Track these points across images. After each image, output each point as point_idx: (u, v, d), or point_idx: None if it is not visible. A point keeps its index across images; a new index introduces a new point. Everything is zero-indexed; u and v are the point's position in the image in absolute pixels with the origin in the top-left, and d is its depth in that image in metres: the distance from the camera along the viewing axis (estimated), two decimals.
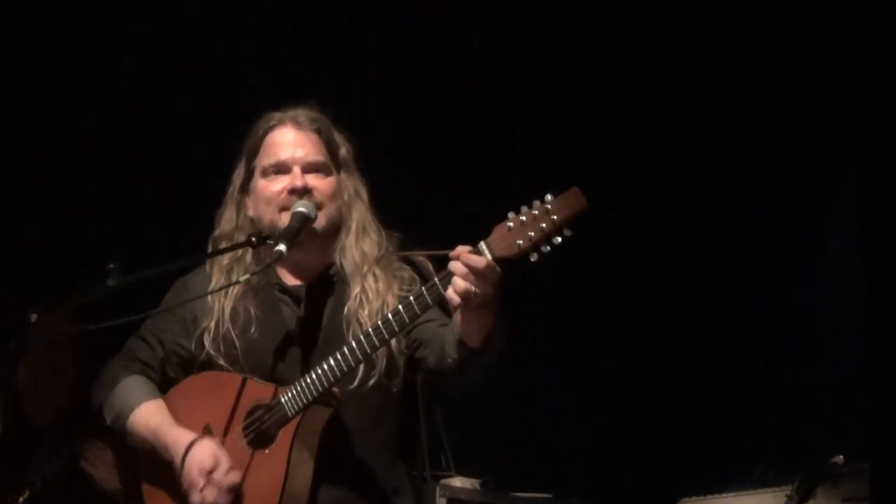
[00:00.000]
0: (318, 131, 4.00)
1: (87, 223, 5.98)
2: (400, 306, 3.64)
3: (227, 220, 4.05)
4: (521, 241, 3.43)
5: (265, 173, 3.97)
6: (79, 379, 5.20)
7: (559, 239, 3.42)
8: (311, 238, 3.90)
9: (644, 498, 6.21)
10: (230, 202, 4.06)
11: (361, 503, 3.86)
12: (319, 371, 3.74)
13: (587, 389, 6.45)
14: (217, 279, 4.02)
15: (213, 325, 3.97)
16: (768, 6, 6.19)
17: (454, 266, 3.47)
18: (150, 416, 3.96)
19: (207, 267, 4.07)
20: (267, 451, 3.81)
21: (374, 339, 3.68)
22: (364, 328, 3.78)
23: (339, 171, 4.01)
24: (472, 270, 3.43)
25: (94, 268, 3.78)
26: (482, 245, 3.47)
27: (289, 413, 3.77)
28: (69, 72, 6.06)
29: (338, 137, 4.05)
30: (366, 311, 3.87)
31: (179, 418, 3.94)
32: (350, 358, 3.71)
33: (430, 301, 3.59)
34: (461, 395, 3.78)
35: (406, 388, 3.93)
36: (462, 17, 6.34)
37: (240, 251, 4.02)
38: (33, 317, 3.65)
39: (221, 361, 3.94)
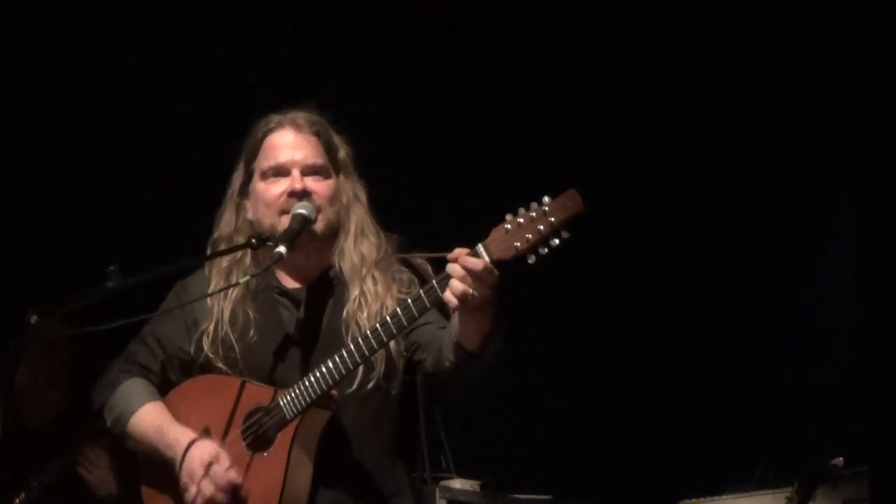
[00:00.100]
0: (318, 134, 4.00)
1: (87, 223, 5.98)
2: (398, 309, 3.64)
3: (226, 222, 4.05)
4: (518, 244, 3.43)
5: (264, 176, 3.96)
6: (76, 380, 5.21)
7: (557, 241, 3.42)
8: (310, 241, 3.90)
9: (644, 499, 6.20)
10: (229, 204, 4.05)
11: None
12: (318, 374, 3.74)
13: (587, 390, 6.45)
14: (216, 282, 4.01)
15: (212, 328, 3.96)
16: (768, 6, 6.19)
17: (452, 268, 3.47)
18: (152, 416, 3.96)
19: (207, 270, 4.07)
20: (266, 454, 3.81)
21: (373, 341, 3.68)
22: (363, 331, 3.78)
23: (337, 174, 4.01)
24: (470, 273, 3.43)
25: (94, 268, 3.78)
26: (480, 247, 3.47)
27: (288, 416, 3.77)
28: (69, 72, 6.06)
29: (337, 140, 4.05)
30: (364, 314, 3.87)
31: (179, 420, 3.94)
32: (349, 360, 3.71)
33: (428, 304, 3.59)
34: (460, 396, 3.78)
35: (405, 391, 3.93)
36: (462, 17, 6.33)
37: (239, 254, 4.02)
38: (33, 318, 3.64)
39: (220, 364, 3.94)
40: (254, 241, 3.92)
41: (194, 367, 4.00)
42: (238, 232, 4.01)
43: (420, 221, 4.10)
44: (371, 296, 3.89)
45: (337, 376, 3.72)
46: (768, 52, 6.28)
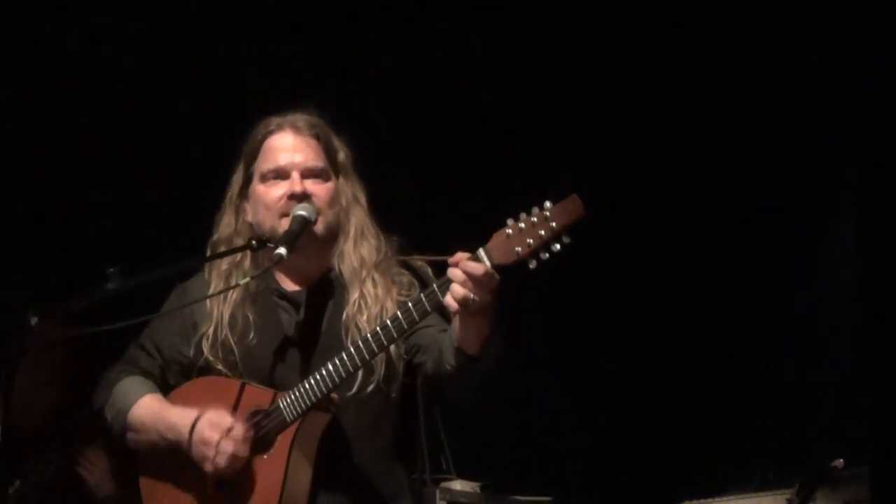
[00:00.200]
0: (317, 136, 3.99)
1: (87, 224, 5.98)
2: (399, 312, 3.64)
3: (225, 224, 4.04)
4: (519, 249, 3.43)
5: (264, 178, 3.96)
6: (75, 381, 5.21)
7: (558, 246, 3.42)
8: (310, 243, 3.89)
9: (644, 501, 6.21)
10: (229, 207, 4.05)
11: None
12: (318, 376, 3.74)
13: (587, 391, 6.45)
14: (216, 285, 4.00)
15: (211, 331, 3.96)
16: (768, 6, 6.18)
17: (453, 273, 3.47)
18: (151, 405, 3.96)
19: (206, 273, 4.07)
20: (266, 456, 3.81)
21: (373, 344, 3.68)
22: (363, 333, 3.78)
23: (337, 177, 4.00)
24: (471, 277, 3.43)
25: (94, 269, 3.78)
26: (481, 252, 3.47)
27: (287, 418, 3.78)
28: (69, 72, 6.06)
29: (336, 142, 4.04)
30: (364, 317, 3.87)
31: None
32: (349, 363, 3.71)
33: (428, 308, 3.59)
34: (460, 398, 3.78)
35: (405, 393, 3.93)
36: (462, 17, 6.33)
37: (238, 256, 4.02)
38: (33, 319, 3.64)
39: (220, 367, 3.94)
40: (254, 242, 3.91)
41: (193, 370, 4.00)
42: (238, 234, 4.01)
43: (420, 223, 4.10)
44: (371, 298, 3.89)
45: (337, 379, 3.72)
46: (768, 52, 6.28)
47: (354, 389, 3.82)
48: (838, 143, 6.08)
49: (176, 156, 5.99)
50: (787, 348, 6.36)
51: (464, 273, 3.44)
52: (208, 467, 3.81)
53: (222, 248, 4.02)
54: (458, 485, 5.65)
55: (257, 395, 3.85)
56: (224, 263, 4.03)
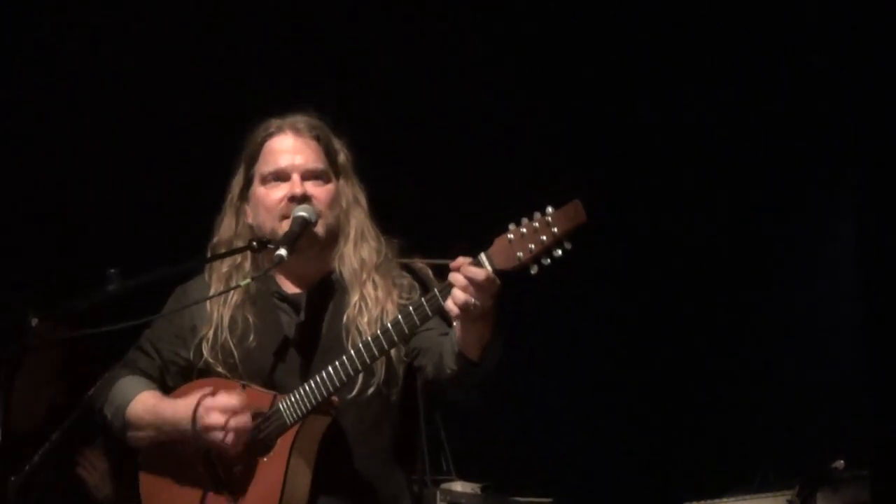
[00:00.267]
0: (317, 138, 3.98)
1: (87, 224, 5.98)
2: (399, 316, 3.64)
3: (226, 227, 4.03)
4: (521, 254, 3.43)
5: (264, 181, 3.95)
6: (71, 382, 5.20)
7: (559, 252, 3.42)
8: (310, 245, 3.89)
9: (645, 502, 6.21)
10: (229, 209, 4.04)
11: None
12: (318, 380, 3.74)
13: (587, 392, 6.45)
14: (216, 287, 4.00)
15: (211, 333, 3.96)
16: (768, 6, 6.18)
17: (454, 277, 3.47)
18: (148, 400, 3.95)
19: (206, 275, 4.06)
20: (265, 459, 3.81)
21: (374, 348, 3.68)
22: (363, 336, 3.78)
23: (337, 178, 4.00)
24: (472, 282, 3.43)
25: (94, 269, 3.78)
26: (482, 257, 3.47)
27: (287, 421, 3.78)
28: (69, 72, 6.06)
29: (337, 144, 4.03)
30: (365, 319, 3.87)
31: None
32: (349, 367, 3.71)
33: (429, 312, 3.59)
34: (461, 401, 3.78)
35: (405, 396, 3.93)
36: (462, 18, 6.33)
37: (238, 259, 4.01)
38: (34, 320, 3.64)
39: (220, 369, 3.93)
40: (254, 244, 3.91)
41: (192, 372, 4.00)
42: (238, 237, 4.00)
43: (420, 223, 4.10)
44: (371, 301, 3.89)
45: (337, 382, 3.72)
46: (768, 52, 6.27)
47: (355, 392, 3.82)
48: (838, 143, 6.09)
49: (176, 156, 5.98)
50: (787, 348, 6.36)
51: (465, 278, 3.44)
52: (222, 444, 3.78)
53: (223, 251, 4.01)
54: (458, 486, 5.64)
55: (257, 397, 3.84)
56: (224, 266, 4.02)
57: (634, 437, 6.47)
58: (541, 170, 6.21)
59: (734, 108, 6.37)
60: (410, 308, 3.62)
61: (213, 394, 3.83)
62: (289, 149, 3.95)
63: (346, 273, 3.95)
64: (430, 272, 3.91)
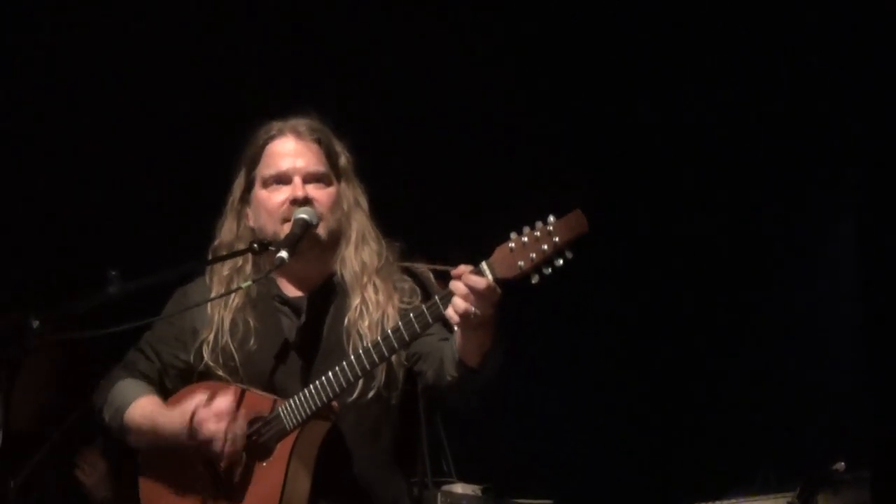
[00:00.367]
0: (319, 141, 3.98)
1: (87, 225, 5.98)
2: (400, 323, 3.64)
3: (227, 229, 4.04)
4: (522, 263, 3.42)
5: (266, 184, 3.95)
6: (69, 383, 5.20)
7: (561, 261, 3.42)
8: (311, 247, 3.89)
9: (646, 503, 6.22)
10: (230, 212, 4.04)
11: None
12: (318, 385, 3.74)
13: (588, 393, 6.45)
14: (217, 290, 4.00)
15: (211, 336, 3.96)
16: (768, 6, 6.18)
17: (455, 286, 3.46)
18: (146, 406, 3.96)
19: (207, 278, 4.06)
20: (265, 464, 3.81)
21: (374, 355, 3.68)
22: (364, 342, 3.79)
23: (339, 181, 4.00)
24: (473, 291, 3.43)
25: (95, 270, 3.78)
26: (483, 265, 3.46)
27: (287, 426, 3.78)
28: (69, 72, 6.06)
29: (338, 147, 4.03)
30: (366, 323, 3.87)
31: None
32: (349, 373, 3.71)
33: (430, 319, 3.59)
34: (460, 406, 3.78)
35: (405, 400, 3.93)
36: (463, 20, 6.32)
37: (240, 261, 4.01)
38: (35, 322, 3.63)
39: (220, 373, 3.94)
40: (255, 246, 3.91)
41: (193, 375, 4.00)
42: (239, 239, 4.00)
43: (421, 223, 4.10)
44: (372, 304, 3.89)
45: (337, 388, 3.72)
46: (768, 52, 6.27)
47: (355, 396, 3.82)
48: (838, 143, 6.08)
49: (176, 156, 5.98)
50: (787, 348, 6.35)
51: (466, 286, 3.44)
52: (222, 450, 3.78)
53: (223, 253, 4.01)
54: (459, 488, 5.63)
55: (257, 401, 3.85)
56: (225, 269, 4.02)
57: (634, 438, 6.47)
58: (541, 170, 6.21)
59: (734, 108, 6.36)
60: (411, 315, 3.62)
61: (208, 400, 3.83)
62: (290, 152, 3.95)
63: (348, 276, 3.95)
64: (431, 276, 3.91)
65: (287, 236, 3.84)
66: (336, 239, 3.96)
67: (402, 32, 6.24)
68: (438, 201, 6.19)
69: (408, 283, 3.96)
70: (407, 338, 3.64)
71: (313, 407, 3.74)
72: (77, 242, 5.95)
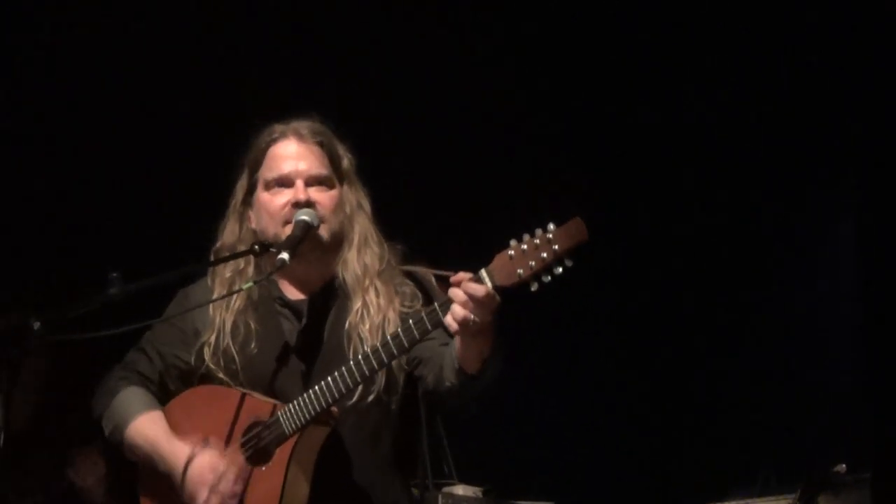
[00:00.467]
0: (321, 144, 3.98)
1: (88, 225, 5.98)
2: (399, 330, 3.64)
3: (229, 232, 4.04)
4: (521, 271, 3.41)
5: (268, 186, 3.95)
6: (55, 385, 5.20)
7: (560, 269, 3.41)
8: (313, 249, 3.89)
9: None
10: (233, 214, 4.04)
11: None
12: (317, 390, 3.73)
13: (588, 394, 6.44)
14: (219, 292, 4.00)
15: (213, 338, 3.96)
16: (768, 6, 6.18)
17: (454, 293, 3.46)
18: (148, 427, 3.96)
19: (209, 280, 4.06)
20: (264, 468, 3.80)
21: (373, 361, 3.68)
22: (365, 344, 3.80)
23: (341, 184, 4.00)
24: (472, 298, 3.43)
25: (95, 271, 3.78)
26: (483, 273, 3.46)
27: (286, 431, 3.77)
28: (69, 72, 6.05)
29: (340, 149, 4.03)
30: (367, 326, 3.87)
31: (178, 430, 3.94)
32: (348, 379, 3.70)
33: (429, 326, 3.59)
34: (459, 411, 3.79)
35: (405, 404, 3.93)
36: (462, 20, 6.32)
37: (242, 264, 4.01)
38: (36, 324, 3.63)
39: (221, 375, 3.94)
40: (257, 247, 3.91)
41: (194, 377, 4.00)
42: (241, 242, 4.00)
43: (421, 224, 4.10)
44: (373, 308, 3.89)
45: (336, 394, 3.72)
46: (768, 52, 6.27)
47: (354, 400, 3.82)
48: (838, 143, 6.08)
49: (176, 157, 5.98)
50: (787, 348, 6.36)
51: (465, 294, 3.44)
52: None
53: (225, 255, 4.01)
54: (460, 489, 5.63)
55: (257, 405, 3.85)
56: (227, 271, 4.02)
57: (634, 439, 6.47)
58: (541, 170, 6.21)
59: (734, 108, 6.36)
60: (410, 322, 3.61)
61: (212, 421, 3.85)
62: (292, 154, 3.95)
63: (349, 279, 3.95)
64: (433, 279, 3.90)
65: (288, 238, 3.84)
66: (338, 242, 3.96)
67: (402, 32, 6.24)
68: (438, 201, 6.18)
69: (409, 287, 3.96)
70: (406, 344, 3.63)
71: (312, 412, 3.74)
72: (77, 242, 5.94)
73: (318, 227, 3.88)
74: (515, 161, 6.35)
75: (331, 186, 3.95)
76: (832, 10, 5.89)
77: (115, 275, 3.72)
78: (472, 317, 3.43)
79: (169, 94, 6.04)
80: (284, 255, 3.77)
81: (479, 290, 3.42)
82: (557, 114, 6.44)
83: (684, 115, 6.44)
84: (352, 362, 3.70)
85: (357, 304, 3.90)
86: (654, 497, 6.24)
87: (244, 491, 3.81)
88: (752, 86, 6.33)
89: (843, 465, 5.21)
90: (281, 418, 3.78)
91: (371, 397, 3.84)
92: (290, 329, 3.96)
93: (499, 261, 3.45)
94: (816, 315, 6.36)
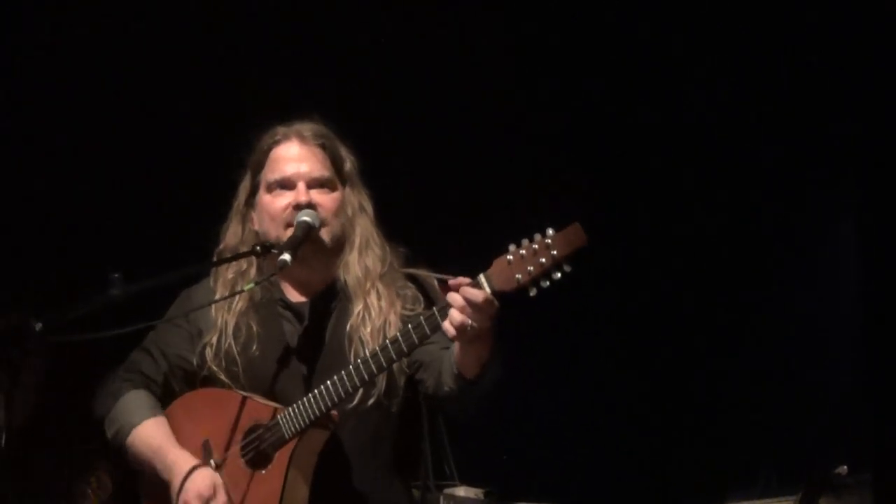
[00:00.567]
0: (323, 146, 3.99)
1: (88, 226, 5.97)
2: (398, 334, 3.64)
3: (232, 233, 4.05)
4: (519, 276, 3.41)
5: (270, 188, 3.96)
6: (48, 386, 5.20)
7: (558, 275, 3.41)
8: (314, 251, 3.90)
9: None
10: (235, 216, 4.06)
11: None
12: (317, 394, 3.74)
13: (589, 395, 6.44)
14: (221, 293, 4.01)
15: (215, 339, 3.98)
16: (768, 6, 6.18)
17: (452, 298, 3.46)
18: (152, 435, 3.97)
19: (212, 281, 4.07)
20: (264, 472, 3.81)
21: (372, 365, 3.68)
22: (366, 347, 3.80)
23: (343, 186, 4.01)
24: (471, 303, 3.43)
25: (95, 271, 3.78)
26: (481, 278, 3.46)
27: (286, 435, 3.78)
28: (69, 72, 6.05)
29: (343, 151, 4.04)
30: (368, 329, 3.88)
31: (179, 432, 3.96)
32: (347, 383, 3.71)
33: (428, 331, 3.59)
34: (459, 415, 3.80)
35: (405, 407, 3.93)
36: (462, 20, 6.32)
37: (244, 265, 4.02)
38: (38, 325, 3.64)
39: (223, 377, 3.95)
40: (258, 248, 3.91)
41: (198, 377, 4.01)
42: (244, 243, 4.01)
43: (422, 224, 4.10)
44: (375, 310, 3.89)
45: (336, 398, 3.73)
46: (768, 52, 6.26)
47: (354, 403, 3.83)
48: (838, 143, 6.08)
49: (176, 157, 5.97)
50: (787, 348, 6.35)
51: (463, 299, 3.44)
52: None
53: (227, 256, 4.01)
54: (461, 491, 5.63)
55: (258, 409, 3.85)
56: (230, 272, 4.03)
57: (635, 439, 6.46)
58: (541, 170, 6.20)
59: (734, 108, 6.36)
60: (409, 326, 3.62)
61: (213, 425, 3.86)
62: (294, 157, 3.96)
63: (351, 281, 3.95)
64: (435, 283, 3.91)
65: (289, 239, 3.85)
66: (340, 244, 3.97)
67: (402, 32, 6.23)
68: (438, 201, 6.18)
69: (411, 290, 3.97)
70: (405, 349, 3.64)
71: (312, 416, 3.74)
72: (77, 242, 5.94)
73: (320, 228, 3.88)
74: (515, 161, 6.35)
75: (333, 189, 3.96)
76: (832, 10, 5.87)
77: (116, 275, 3.72)
78: (471, 322, 3.44)
79: (169, 94, 6.03)
80: (286, 256, 3.77)
81: (477, 295, 3.42)
82: (557, 114, 6.43)
83: (684, 115, 6.43)
84: (351, 366, 3.71)
85: (358, 307, 3.91)
86: (654, 497, 6.23)
87: (243, 493, 3.81)
88: (751, 86, 6.32)
89: (845, 467, 5.21)
90: (281, 422, 3.78)
91: (371, 401, 3.85)
92: (292, 331, 3.96)
93: (497, 266, 3.45)
94: (816, 315, 6.35)
